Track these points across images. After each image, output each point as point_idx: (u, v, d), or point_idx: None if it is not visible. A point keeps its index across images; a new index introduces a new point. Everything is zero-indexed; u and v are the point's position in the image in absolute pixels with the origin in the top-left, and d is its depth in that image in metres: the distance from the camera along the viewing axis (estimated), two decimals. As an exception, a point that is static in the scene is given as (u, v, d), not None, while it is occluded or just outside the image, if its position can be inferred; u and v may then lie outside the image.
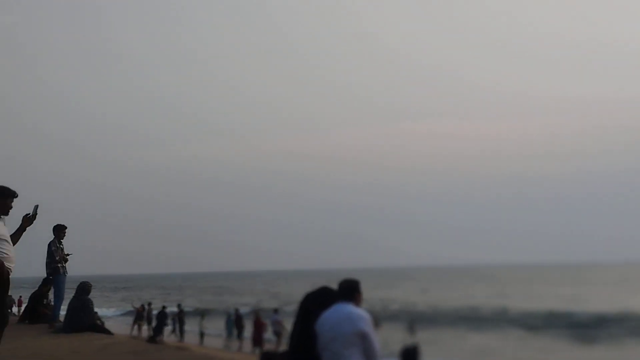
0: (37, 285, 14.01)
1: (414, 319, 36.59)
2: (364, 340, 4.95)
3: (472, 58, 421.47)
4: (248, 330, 29.29)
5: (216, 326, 33.84)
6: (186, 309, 35.61)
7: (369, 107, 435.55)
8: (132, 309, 37.56)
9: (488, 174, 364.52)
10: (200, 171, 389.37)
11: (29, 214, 6.99)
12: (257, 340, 24.86)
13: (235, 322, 30.78)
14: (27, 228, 6.94)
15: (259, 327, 25.56)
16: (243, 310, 35.00)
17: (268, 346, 22.35)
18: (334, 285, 5.43)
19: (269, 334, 26.09)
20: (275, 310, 28.06)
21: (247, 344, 27.62)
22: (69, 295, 11.69)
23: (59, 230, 11.75)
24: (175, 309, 33.48)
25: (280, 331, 24.89)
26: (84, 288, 11.43)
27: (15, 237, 6.66)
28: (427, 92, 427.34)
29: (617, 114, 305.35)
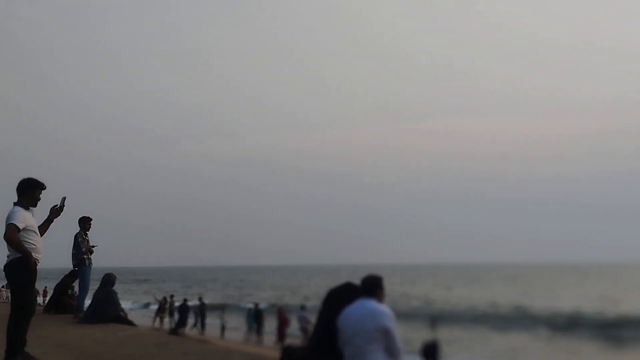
0: (62, 276, 14.22)
1: (434, 316, 36.56)
2: (386, 336, 4.95)
3: (479, 60, 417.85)
4: (270, 325, 29.50)
5: (237, 320, 34.06)
6: (207, 302, 35.84)
7: (379, 107, 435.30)
8: (153, 301, 37.89)
9: (507, 173, 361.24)
10: (222, 169, 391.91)
11: (57, 205, 7.09)
12: (281, 335, 25.03)
13: (254, 316, 30.95)
14: (55, 219, 7.06)
15: (282, 323, 25.71)
16: (263, 305, 35.18)
17: (292, 341, 22.48)
18: (357, 281, 5.44)
19: (292, 330, 26.25)
20: (302, 307, 28.27)
21: (267, 339, 27.82)
22: (93, 286, 11.86)
23: (85, 222, 11.89)
24: (196, 302, 33.77)
25: (306, 327, 25.01)
26: (108, 280, 11.58)
27: (43, 228, 6.78)
28: (434, 92, 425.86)
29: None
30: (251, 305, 33.06)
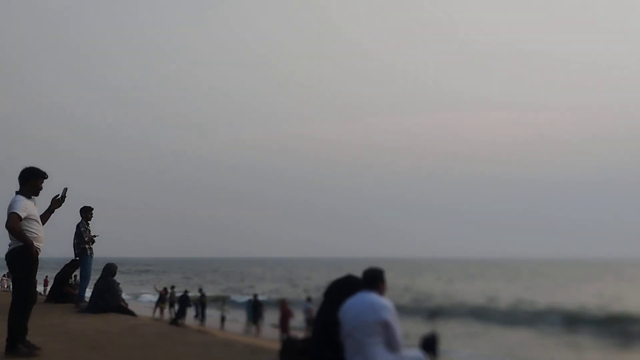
0: (62, 266, 14.25)
1: (434, 310, 36.65)
2: (386, 329, 4.96)
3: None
4: (270, 317, 29.59)
5: (237, 312, 34.17)
6: (208, 294, 35.94)
7: (412, 94, 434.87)
8: (152, 292, 37.99)
9: (515, 167, 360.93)
10: (226, 157, 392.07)
11: (58, 195, 7.09)
12: (284, 327, 25.07)
13: (253, 307, 31.08)
14: (55, 210, 7.06)
15: (285, 315, 25.77)
16: (262, 297, 35.25)
17: (296, 333, 22.52)
18: (358, 274, 5.45)
19: (296, 322, 26.31)
20: (309, 299, 28.39)
21: (269, 331, 27.91)
22: (95, 276, 11.89)
23: (86, 212, 11.90)
24: (197, 294, 33.87)
25: (311, 319, 25.07)
26: (109, 270, 11.61)
27: (44, 218, 6.77)
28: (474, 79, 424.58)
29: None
30: (250, 297, 33.15)
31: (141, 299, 45.00)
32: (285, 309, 25.98)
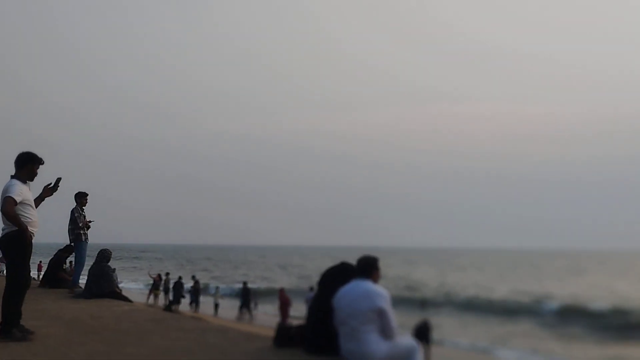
0: (55, 251, 14.24)
1: (425, 298, 36.86)
2: (381, 316, 5.00)
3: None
4: (265, 305, 29.78)
5: (230, 299, 34.34)
6: (201, 281, 36.03)
7: (398, 88, 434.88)
8: (148, 278, 38.02)
9: (507, 156, 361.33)
10: (219, 147, 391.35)
11: (51, 184, 7.07)
12: (285, 315, 25.12)
13: (243, 294, 31.46)
14: (46, 198, 7.05)
15: (284, 303, 25.84)
16: (256, 285, 35.44)
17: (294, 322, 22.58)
18: (353, 262, 5.48)
19: (294, 311, 26.43)
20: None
21: (259, 317, 28.10)
22: (89, 262, 11.89)
23: (81, 197, 11.87)
24: (191, 282, 33.96)
25: None
26: (104, 255, 11.60)
27: (34, 204, 6.73)
28: (466, 75, 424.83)
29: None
30: (241, 284, 33.36)
31: (135, 285, 45.06)
32: (284, 297, 26.04)
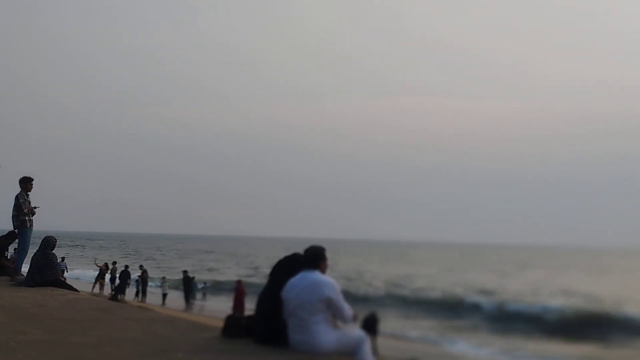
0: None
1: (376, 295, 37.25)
2: (330, 305, 5.07)
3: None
4: (215, 296, 29.74)
5: (175, 290, 34.14)
6: (148, 270, 35.59)
7: (366, 79, 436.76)
8: (95, 268, 37.28)
9: (494, 154, 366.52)
10: (183, 137, 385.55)
11: None
12: (240, 306, 24.95)
13: (184, 284, 31.42)
14: None
15: (240, 294, 25.72)
16: (202, 275, 35.25)
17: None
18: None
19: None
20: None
21: (203, 307, 28.05)
22: (32, 249, 11.58)
23: (26, 183, 11.48)
24: (138, 271, 33.49)
25: None
26: (48, 242, 11.30)
27: None
28: (431, 69, 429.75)
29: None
30: (186, 275, 33.12)
31: (79, 273, 44.13)
32: (240, 289, 25.91)
